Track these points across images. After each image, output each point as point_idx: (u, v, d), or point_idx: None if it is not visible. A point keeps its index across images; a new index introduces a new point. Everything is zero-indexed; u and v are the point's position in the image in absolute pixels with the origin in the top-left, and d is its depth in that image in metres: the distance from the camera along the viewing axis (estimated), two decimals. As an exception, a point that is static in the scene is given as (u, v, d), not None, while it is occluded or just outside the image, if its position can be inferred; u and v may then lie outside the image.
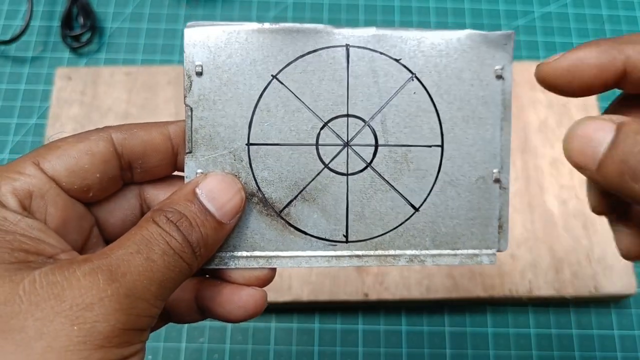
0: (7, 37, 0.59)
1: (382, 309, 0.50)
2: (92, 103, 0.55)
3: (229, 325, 0.49)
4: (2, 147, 0.56)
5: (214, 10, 0.63)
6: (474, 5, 0.64)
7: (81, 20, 0.61)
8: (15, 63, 0.60)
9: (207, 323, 0.49)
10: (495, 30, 0.28)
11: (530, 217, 0.52)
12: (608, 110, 0.27)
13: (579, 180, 0.53)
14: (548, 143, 0.55)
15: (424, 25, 0.63)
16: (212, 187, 0.25)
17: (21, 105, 0.58)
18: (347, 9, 0.64)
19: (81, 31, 0.60)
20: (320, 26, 0.27)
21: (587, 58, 0.23)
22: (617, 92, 0.26)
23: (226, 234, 0.26)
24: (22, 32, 0.58)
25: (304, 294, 0.48)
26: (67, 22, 0.60)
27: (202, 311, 0.27)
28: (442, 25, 0.63)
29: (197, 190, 0.24)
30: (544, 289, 0.49)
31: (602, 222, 0.51)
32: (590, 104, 0.56)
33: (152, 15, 0.63)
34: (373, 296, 0.49)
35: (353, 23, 0.63)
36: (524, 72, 0.57)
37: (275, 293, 0.48)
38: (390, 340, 0.49)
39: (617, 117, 0.23)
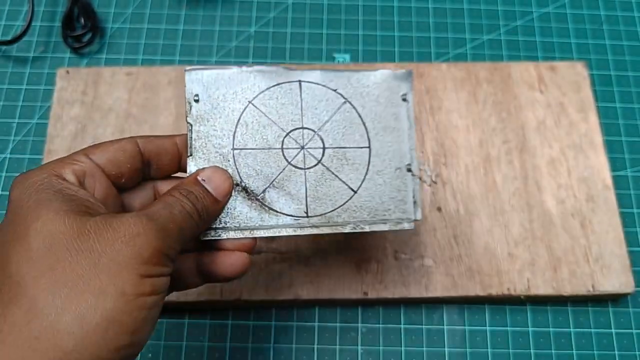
0: (9, 38, 0.59)
1: (381, 307, 0.51)
2: (93, 103, 0.56)
3: (229, 323, 0.50)
4: (3, 146, 0.56)
5: (214, 11, 0.63)
6: (473, 6, 0.64)
7: (82, 20, 0.61)
8: (17, 63, 0.60)
9: (208, 322, 0.50)
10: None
11: (529, 217, 0.52)
12: None
13: (577, 180, 0.53)
14: (546, 143, 0.55)
15: (423, 25, 0.63)
16: (209, 175, 0.35)
17: (22, 105, 0.58)
18: (346, 9, 0.64)
19: (82, 32, 0.60)
20: (281, 68, 0.38)
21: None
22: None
23: (221, 208, 0.35)
24: (24, 33, 0.58)
25: (304, 292, 0.49)
26: (68, 22, 0.61)
27: (202, 275, 0.36)
28: (441, 26, 0.63)
29: (199, 177, 0.34)
30: (542, 288, 0.50)
31: (600, 221, 0.52)
32: (587, 104, 0.56)
33: (153, 16, 0.63)
34: (372, 294, 0.49)
35: (352, 23, 0.63)
36: (523, 72, 0.58)
37: (275, 291, 0.49)
38: (389, 338, 0.50)
39: None
